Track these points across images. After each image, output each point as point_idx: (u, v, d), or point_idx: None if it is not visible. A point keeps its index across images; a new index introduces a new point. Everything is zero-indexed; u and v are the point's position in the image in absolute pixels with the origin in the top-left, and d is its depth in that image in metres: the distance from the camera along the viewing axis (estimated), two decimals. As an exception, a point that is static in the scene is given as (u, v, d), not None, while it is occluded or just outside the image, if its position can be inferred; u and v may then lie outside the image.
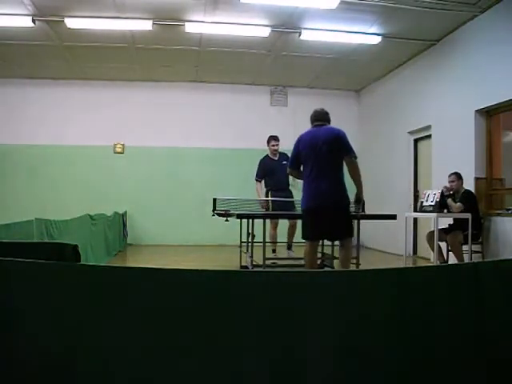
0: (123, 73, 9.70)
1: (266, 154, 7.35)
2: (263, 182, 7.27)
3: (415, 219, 8.16)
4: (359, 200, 4.69)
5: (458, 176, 6.38)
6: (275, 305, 1.30)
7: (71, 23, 6.94)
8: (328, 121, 4.73)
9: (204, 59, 8.81)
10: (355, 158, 4.57)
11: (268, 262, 6.19)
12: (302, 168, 4.77)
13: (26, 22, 6.87)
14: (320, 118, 4.72)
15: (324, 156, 4.48)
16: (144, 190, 10.14)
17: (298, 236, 5.75)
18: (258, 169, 7.24)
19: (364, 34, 7.43)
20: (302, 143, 4.66)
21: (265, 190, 7.24)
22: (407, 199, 8.68)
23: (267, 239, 6.33)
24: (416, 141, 8.69)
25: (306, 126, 4.91)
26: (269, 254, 6.56)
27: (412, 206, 8.39)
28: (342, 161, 4.56)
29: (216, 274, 1.32)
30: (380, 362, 1.33)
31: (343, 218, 4.54)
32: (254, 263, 6.03)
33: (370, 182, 9.87)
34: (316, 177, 4.51)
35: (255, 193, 7.31)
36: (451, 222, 6.48)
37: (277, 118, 10.31)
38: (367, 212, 7.48)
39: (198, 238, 10.00)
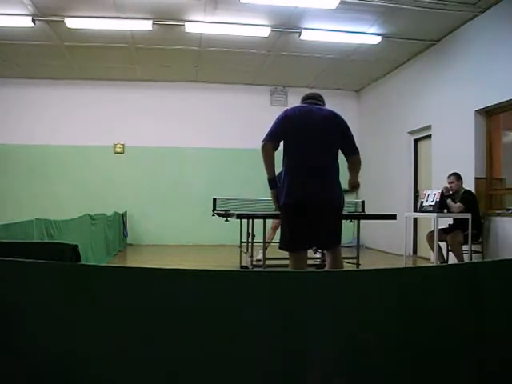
0: (123, 73, 9.71)
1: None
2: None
3: (415, 219, 8.17)
4: (356, 185, 3.79)
5: (457, 177, 6.38)
6: (275, 305, 1.30)
7: (71, 23, 6.95)
8: (323, 103, 3.86)
9: (204, 59, 8.82)
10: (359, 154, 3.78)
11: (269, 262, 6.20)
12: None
13: (26, 22, 6.88)
14: (315, 97, 3.83)
15: (324, 139, 3.60)
16: (144, 189, 10.15)
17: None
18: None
19: (364, 34, 7.44)
20: (290, 118, 3.67)
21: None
22: (407, 199, 8.68)
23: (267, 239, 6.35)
24: (416, 141, 8.70)
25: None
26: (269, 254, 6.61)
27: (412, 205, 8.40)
28: (338, 151, 3.70)
29: (216, 273, 1.32)
30: (380, 361, 1.33)
31: (338, 222, 3.67)
32: (254, 263, 6.03)
33: (370, 181, 9.92)
34: (309, 164, 3.56)
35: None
36: (451, 222, 6.49)
37: (277, 118, 10.31)
38: (367, 212, 7.53)
39: (198, 238, 10.01)
